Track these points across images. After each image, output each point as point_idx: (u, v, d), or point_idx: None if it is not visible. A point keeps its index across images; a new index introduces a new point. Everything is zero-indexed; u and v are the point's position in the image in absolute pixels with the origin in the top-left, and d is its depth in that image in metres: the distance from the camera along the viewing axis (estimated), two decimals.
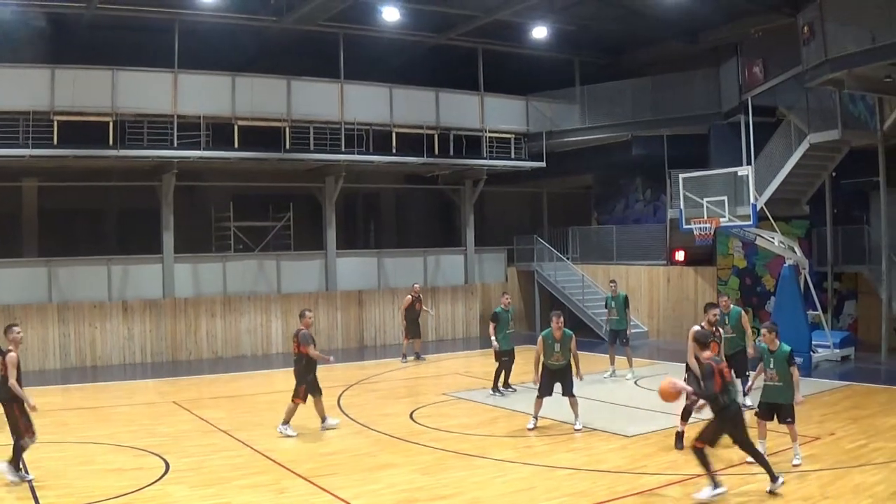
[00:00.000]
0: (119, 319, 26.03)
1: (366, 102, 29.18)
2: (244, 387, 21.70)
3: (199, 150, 25.78)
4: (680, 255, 30.48)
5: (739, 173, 23.94)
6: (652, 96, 31.25)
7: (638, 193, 35.06)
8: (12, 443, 12.25)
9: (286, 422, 15.70)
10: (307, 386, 15.87)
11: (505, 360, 19.81)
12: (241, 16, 26.71)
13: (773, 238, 24.17)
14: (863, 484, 11.64)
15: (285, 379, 23.49)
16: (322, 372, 24.30)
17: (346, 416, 17.49)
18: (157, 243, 26.89)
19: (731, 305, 17.86)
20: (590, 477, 12.16)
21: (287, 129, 27.32)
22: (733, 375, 12.67)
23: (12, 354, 12.38)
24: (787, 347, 12.81)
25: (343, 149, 28.21)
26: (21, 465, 12.35)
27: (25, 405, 12.27)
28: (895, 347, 24.32)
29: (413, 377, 23.65)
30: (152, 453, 13.88)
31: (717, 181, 24.52)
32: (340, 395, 19.81)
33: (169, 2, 25.29)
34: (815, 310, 24.74)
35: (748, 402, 17.42)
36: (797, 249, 24.13)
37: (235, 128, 26.53)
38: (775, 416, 12.87)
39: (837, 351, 24.16)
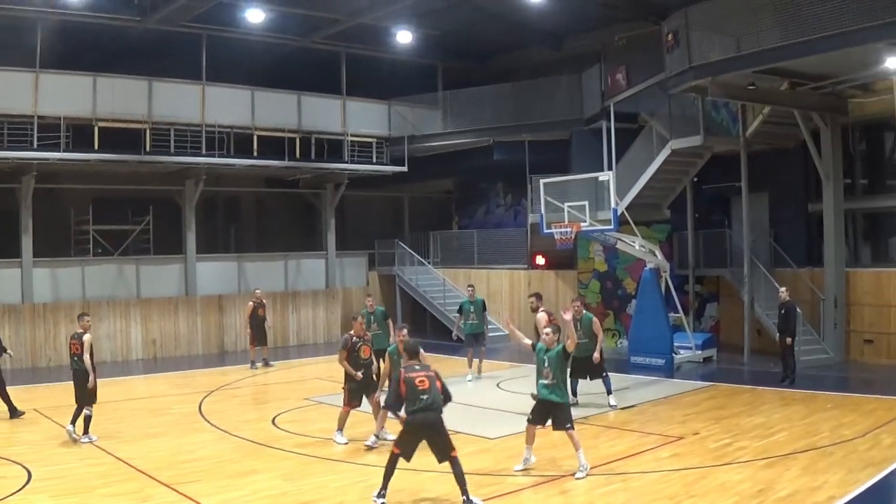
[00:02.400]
0: None
1: (227, 104, 29.05)
2: (104, 394, 20.98)
3: (59, 151, 25.34)
4: (541, 260, 31.05)
5: (600, 178, 24.22)
6: (514, 102, 31.75)
7: (499, 198, 35.59)
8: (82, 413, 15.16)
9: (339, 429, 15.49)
10: (350, 392, 15.51)
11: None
12: (104, 15, 26.33)
13: (633, 242, 24.47)
14: (728, 482, 12.02)
15: (146, 385, 23.36)
16: (183, 378, 24.13)
17: (208, 422, 17.46)
18: (16, 247, 26.33)
19: (584, 311, 18.30)
20: (453, 480, 12.29)
21: (147, 131, 27.01)
22: (435, 386, 11.62)
23: (87, 335, 15.33)
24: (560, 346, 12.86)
25: (204, 151, 28.05)
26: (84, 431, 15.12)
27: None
28: (757, 349, 25.09)
29: (274, 382, 23.59)
30: (14, 462, 13.66)
31: (578, 186, 24.69)
32: (202, 402, 19.71)
33: (31, 0, 24.83)
34: (677, 312, 25.40)
35: (612, 401, 17.93)
36: (658, 253, 24.63)
37: (96, 129, 26.10)
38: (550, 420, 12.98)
39: (699, 352, 24.89)
